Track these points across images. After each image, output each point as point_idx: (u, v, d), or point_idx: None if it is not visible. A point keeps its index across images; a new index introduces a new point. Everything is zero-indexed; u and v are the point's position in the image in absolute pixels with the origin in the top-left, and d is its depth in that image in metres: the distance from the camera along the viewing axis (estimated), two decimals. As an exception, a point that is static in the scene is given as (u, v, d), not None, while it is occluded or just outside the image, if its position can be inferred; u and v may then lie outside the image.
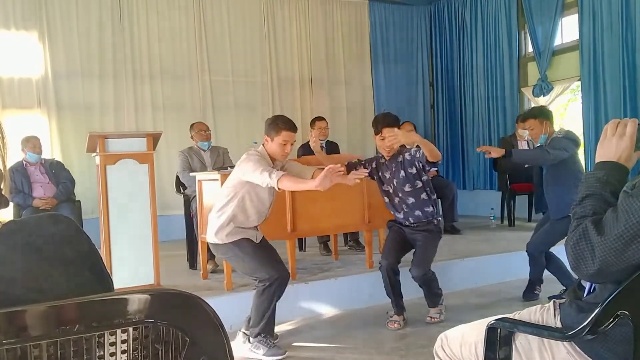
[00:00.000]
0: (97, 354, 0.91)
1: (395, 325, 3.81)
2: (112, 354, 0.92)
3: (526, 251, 4.25)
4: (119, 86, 7.13)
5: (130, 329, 0.92)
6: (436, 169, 6.91)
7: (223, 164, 5.28)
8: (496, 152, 4.11)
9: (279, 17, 8.13)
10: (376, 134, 3.78)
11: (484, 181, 8.33)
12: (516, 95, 7.92)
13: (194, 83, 7.57)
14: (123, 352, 0.93)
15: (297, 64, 8.20)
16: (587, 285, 1.46)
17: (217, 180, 4.19)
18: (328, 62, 8.46)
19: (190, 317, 1.01)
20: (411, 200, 3.79)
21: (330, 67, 8.45)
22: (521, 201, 7.30)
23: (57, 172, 5.37)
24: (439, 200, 7.10)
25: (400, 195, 3.82)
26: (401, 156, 3.78)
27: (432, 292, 3.93)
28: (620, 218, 1.22)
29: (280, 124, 3.39)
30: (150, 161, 4.08)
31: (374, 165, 3.93)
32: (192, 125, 5.50)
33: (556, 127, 4.24)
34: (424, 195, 3.79)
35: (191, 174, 4.99)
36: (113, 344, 0.92)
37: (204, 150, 5.37)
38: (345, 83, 8.45)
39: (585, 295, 1.45)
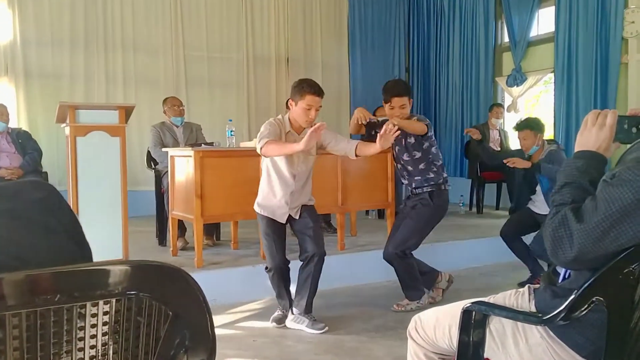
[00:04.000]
0: (78, 325, 0.89)
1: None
2: (93, 326, 0.90)
3: (532, 252, 4.25)
4: (90, 56, 6.96)
5: (113, 300, 0.91)
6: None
7: (196, 140, 5.21)
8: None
9: (257, -6, 8.02)
10: (385, 102, 3.74)
11: (455, 168, 8.42)
12: (490, 84, 8.00)
13: (168, 57, 7.43)
14: (104, 323, 0.91)
15: (274, 43, 8.12)
16: (562, 271, 1.49)
17: (191, 156, 4.14)
18: (305, 43, 8.40)
19: (173, 291, 0.99)
20: (410, 168, 3.81)
21: (307, 48, 8.39)
22: (490, 189, 7.41)
23: (24, 142, 5.22)
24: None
25: (401, 162, 3.85)
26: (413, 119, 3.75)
27: (401, 278, 3.85)
28: (600, 206, 1.24)
29: (306, 87, 3.26)
30: (122, 134, 4.00)
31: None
32: (165, 100, 5.40)
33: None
34: (422, 165, 3.77)
35: (163, 149, 4.92)
36: (95, 315, 0.90)
37: (177, 126, 5.29)
38: (322, 65, 8.40)
39: (560, 281, 1.48)
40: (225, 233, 5.23)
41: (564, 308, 1.31)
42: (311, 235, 3.40)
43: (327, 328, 3.42)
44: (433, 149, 3.82)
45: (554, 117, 7.05)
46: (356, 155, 3.38)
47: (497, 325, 1.56)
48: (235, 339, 3.29)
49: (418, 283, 3.86)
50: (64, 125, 4.07)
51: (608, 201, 1.23)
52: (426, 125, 3.69)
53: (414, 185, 3.83)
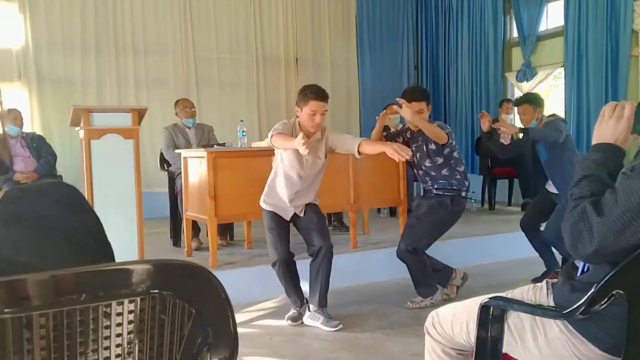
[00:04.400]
0: (104, 324, 0.90)
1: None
2: (119, 324, 0.91)
3: (545, 240, 4.25)
4: (101, 60, 7.00)
5: (138, 299, 0.92)
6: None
7: (208, 141, 5.24)
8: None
9: (265, -6, 8.04)
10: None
11: (465, 165, 8.36)
12: (500, 80, 7.96)
13: (178, 58, 7.46)
14: (129, 322, 0.92)
15: (282, 43, 8.13)
16: (580, 265, 1.48)
17: (204, 157, 4.16)
18: (314, 43, 8.40)
19: (196, 289, 1.00)
20: (433, 173, 3.83)
21: (316, 48, 8.39)
22: (502, 185, 7.38)
23: (38, 146, 5.27)
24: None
25: (423, 169, 3.86)
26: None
27: (413, 275, 3.85)
28: (620, 199, 1.23)
29: (309, 93, 3.31)
30: (136, 136, 4.02)
31: (408, 135, 3.97)
32: (176, 102, 5.44)
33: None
34: (445, 171, 3.79)
35: (176, 151, 4.95)
36: (120, 314, 0.91)
37: (189, 128, 5.31)
38: (330, 64, 8.40)
39: (578, 275, 1.47)
40: (238, 233, 5.26)
41: (583, 302, 1.31)
42: (316, 230, 3.46)
43: (341, 326, 3.44)
44: (455, 154, 3.83)
45: (565, 111, 7.00)
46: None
47: (515, 320, 1.56)
48: (251, 337, 3.31)
49: (430, 280, 3.86)
50: (78, 128, 4.10)
51: (628, 193, 1.22)
52: (447, 133, 3.70)
53: (436, 187, 3.84)
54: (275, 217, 3.49)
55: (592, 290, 1.30)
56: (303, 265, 3.61)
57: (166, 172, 5.31)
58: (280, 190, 3.46)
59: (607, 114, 1.44)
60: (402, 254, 3.81)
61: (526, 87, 7.56)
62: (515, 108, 4.39)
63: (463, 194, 3.83)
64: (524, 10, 7.45)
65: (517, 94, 7.84)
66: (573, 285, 1.45)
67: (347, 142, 3.44)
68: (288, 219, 3.51)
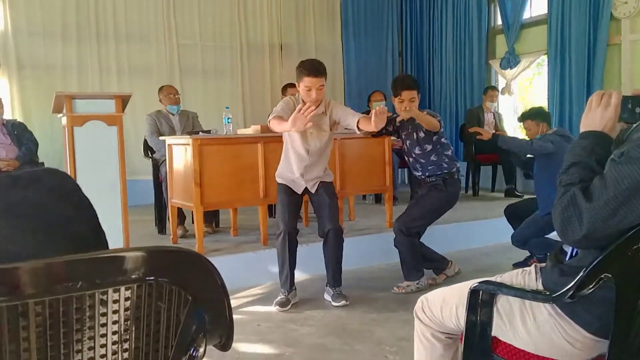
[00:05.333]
0: (100, 312, 0.90)
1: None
2: (115, 312, 0.91)
3: (512, 243, 4.27)
4: (82, 47, 6.89)
5: (135, 286, 0.91)
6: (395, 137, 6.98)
7: (193, 128, 5.21)
8: (485, 134, 4.29)
9: (249, -20, 7.96)
10: (395, 96, 3.79)
11: (450, 151, 8.43)
12: (484, 67, 7.99)
13: (161, 46, 7.37)
14: (126, 309, 0.92)
15: (267, 30, 8.07)
16: (569, 249, 1.50)
17: (189, 144, 4.13)
18: (298, 29, 8.36)
19: (192, 275, 1.00)
20: (422, 160, 3.86)
21: (300, 34, 8.34)
22: (485, 172, 7.45)
23: (20, 133, 5.19)
24: (406, 169, 7.22)
25: (413, 156, 3.90)
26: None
27: (402, 257, 3.88)
28: (609, 185, 1.25)
29: (303, 69, 3.36)
30: (119, 123, 3.98)
31: (397, 124, 3.98)
32: (160, 89, 5.38)
33: (517, 101, 4.35)
34: (433, 157, 3.82)
35: (160, 138, 4.91)
36: (116, 301, 0.91)
37: (173, 114, 5.27)
38: (315, 51, 8.34)
39: (567, 259, 1.50)
40: (224, 220, 5.25)
41: (572, 285, 1.33)
42: (327, 212, 3.58)
43: (344, 302, 3.60)
44: (443, 139, 3.88)
45: (548, 98, 7.06)
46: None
47: (504, 304, 1.58)
48: (239, 324, 3.31)
49: (418, 264, 3.90)
50: (60, 115, 4.04)
51: (617, 179, 1.24)
52: (439, 121, 3.75)
53: (427, 174, 3.88)
54: (288, 191, 3.61)
55: (581, 274, 1.32)
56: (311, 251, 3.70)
57: (150, 160, 5.27)
58: (291, 164, 3.57)
59: (595, 102, 1.46)
60: (396, 233, 3.86)
61: (510, 74, 7.61)
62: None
63: (455, 175, 3.86)
64: (508, -2, 7.47)
65: (501, 81, 7.90)
66: (562, 269, 1.47)
67: (349, 117, 3.49)
68: (300, 192, 3.62)
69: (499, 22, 7.81)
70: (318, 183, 3.61)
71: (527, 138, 4.29)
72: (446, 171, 3.83)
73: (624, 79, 6.22)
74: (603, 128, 1.43)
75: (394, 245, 3.91)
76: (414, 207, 3.91)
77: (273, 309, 3.57)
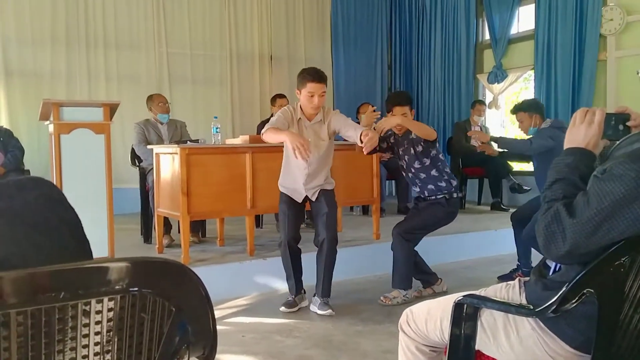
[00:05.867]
0: (82, 322, 0.89)
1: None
2: (98, 322, 0.91)
3: (524, 242, 4.26)
4: (71, 54, 6.87)
5: (118, 297, 0.91)
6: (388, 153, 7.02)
7: (181, 137, 5.20)
8: (483, 137, 4.37)
9: (240, -10, 7.99)
10: (388, 112, 3.85)
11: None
12: (472, 81, 8.07)
13: (150, 54, 7.37)
14: (109, 320, 0.91)
15: (257, 40, 8.09)
16: (552, 264, 1.52)
17: (176, 153, 4.12)
18: (288, 40, 8.39)
19: (176, 286, 1.00)
20: (422, 175, 3.87)
21: (290, 45, 8.37)
22: (472, 185, 7.50)
23: (6, 140, 5.15)
24: (394, 181, 7.24)
25: (412, 171, 3.90)
26: (413, 133, 3.82)
27: (396, 263, 3.88)
28: (592, 201, 1.27)
29: (306, 75, 3.44)
30: (107, 132, 3.97)
31: (392, 140, 4.00)
32: (151, 97, 5.36)
33: (504, 115, 4.38)
34: (434, 172, 3.83)
35: (148, 146, 4.89)
36: (99, 312, 0.90)
37: (162, 123, 5.26)
38: (305, 62, 8.38)
39: (550, 274, 1.51)
40: (210, 230, 5.23)
41: (555, 300, 1.34)
42: (323, 221, 3.59)
43: (330, 311, 3.62)
44: (440, 156, 3.91)
45: (535, 113, 7.12)
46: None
47: (488, 318, 1.58)
48: (224, 335, 3.29)
49: (409, 272, 3.90)
50: (47, 122, 4.02)
51: (600, 196, 1.26)
52: (435, 132, 3.77)
53: (426, 194, 3.89)
54: (288, 200, 3.64)
55: (564, 289, 1.33)
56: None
57: (137, 168, 5.25)
58: (292, 173, 3.60)
59: (579, 119, 1.48)
60: (395, 238, 3.87)
61: (497, 88, 7.68)
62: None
63: (455, 194, 3.88)
64: (496, 13, 7.56)
65: (489, 95, 7.97)
66: (545, 283, 1.48)
67: (350, 129, 3.52)
68: (300, 200, 3.63)
69: (487, 36, 7.90)
70: (319, 191, 3.63)
71: (522, 134, 4.29)
72: (446, 192, 3.84)
73: (610, 96, 6.30)
74: (586, 145, 1.45)
75: (391, 249, 3.91)
76: (416, 216, 3.91)
77: (257, 319, 3.56)
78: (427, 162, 3.84)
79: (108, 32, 7.08)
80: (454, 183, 3.91)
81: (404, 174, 4.05)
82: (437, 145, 3.89)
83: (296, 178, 3.59)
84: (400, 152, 3.94)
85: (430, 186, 3.86)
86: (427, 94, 8.75)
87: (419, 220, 3.90)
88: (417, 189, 3.95)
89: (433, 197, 3.85)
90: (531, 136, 4.23)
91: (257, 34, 8.10)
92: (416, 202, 4.04)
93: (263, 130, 3.41)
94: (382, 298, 3.89)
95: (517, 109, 4.32)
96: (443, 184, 3.84)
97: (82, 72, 6.93)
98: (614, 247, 1.25)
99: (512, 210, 6.66)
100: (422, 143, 3.80)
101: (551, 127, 4.08)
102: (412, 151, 3.86)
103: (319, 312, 3.63)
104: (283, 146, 3.60)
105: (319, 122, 3.58)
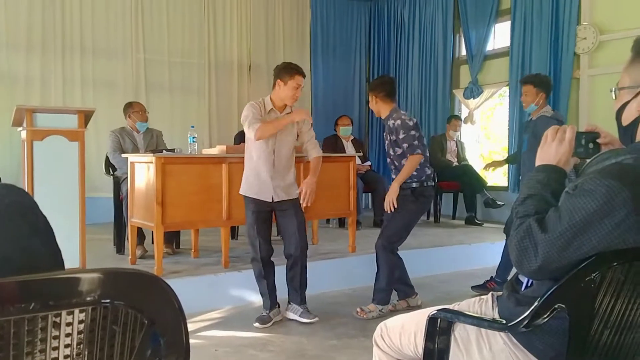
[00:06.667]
0: (52, 334, 0.87)
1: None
2: (68, 335, 0.89)
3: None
4: (47, 59, 6.79)
5: (89, 309, 0.89)
6: (369, 163, 7.06)
7: (156, 146, 5.16)
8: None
9: (220, -1, 7.99)
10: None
11: (413, 178, 8.53)
12: (448, 96, 8.16)
13: (128, 61, 7.31)
14: (79, 332, 0.90)
15: (236, 49, 8.09)
16: (524, 280, 1.54)
17: (152, 162, 4.08)
18: (268, 49, 8.40)
19: (149, 298, 0.98)
20: (396, 163, 3.92)
21: (269, 55, 8.38)
22: (447, 199, 7.57)
23: (-24, 146, 5.05)
24: (370, 194, 7.27)
25: (390, 156, 3.97)
26: (391, 120, 3.89)
27: (380, 275, 3.89)
28: (563, 217, 1.29)
29: (294, 67, 3.59)
30: (81, 139, 3.91)
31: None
32: (130, 104, 5.31)
33: (479, 130, 4.44)
34: (404, 161, 3.85)
35: (122, 155, 4.84)
36: (69, 324, 0.88)
37: (138, 132, 5.21)
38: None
39: (522, 289, 1.53)
40: (185, 241, 5.17)
41: (527, 315, 1.35)
42: (295, 232, 3.65)
43: (317, 319, 3.68)
44: (420, 148, 3.88)
45: (508, 128, 7.24)
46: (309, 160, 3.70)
47: (461, 332, 1.59)
48: (196, 348, 3.25)
49: (390, 289, 3.92)
50: (20, 129, 3.95)
51: (571, 211, 1.28)
52: (418, 154, 3.80)
53: None
54: (257, 212, 3.62)
55: (536, 303, 1.34)
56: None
57: (111, 177, 5.18)
58: (259, 169, 3.60)
59: (550, 137, 1.51)
60: (379, 250, 3.89)
61: (472, 104, 7.79)
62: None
63: (425, 183, 3.91)
64: (473, 30, 7.68)
65: (464, 110, 8.07)
66: (517, 299, 1.50)
67: (310, 145, 3.76)
68: (269, 199, 3.61)
69: (464, 52, 8.01)
70: (284, 199, 3.64)
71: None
72: (415, 180, 3.87)
73: (582, 113, 6.43)
74: (557, 162, 1.48)
75: (377, 264, 3.92)
76: (392, 222, 3.91)
77: (231, 333, 3.53)
78: (399, 151, 3.87)
79: (85, 37, 7.01)
80: (428, 172, 3.95)
81: (387, 158, 4.11)
82: (419, 136, 3.87)
83: (261, 173, 3.59)
84: (385, 135, 4.02)
85: None
86: (404, 108, 8.79)
87: (395, 223, 3.89)
88: (393, 176, 3.98)
89: (404, 185, 3.86)
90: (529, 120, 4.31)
91: (237, 43, 8.10)
92: (380, 216, 4.08)
93: (251, 130, 3.45)
94: (358, 310, 3.89)
95: (528, 81, 4.26)
96: (415, 172, 3.87)
97: (57, 77, 6.85)
98: (584, 263, 1.27)
99: (486, 225, 6.78)
100: (395, 133, 3.86)
101: (552, 119, 4.07)
102: (389, 139, 3.94)
103: (303, 320, 3.66)
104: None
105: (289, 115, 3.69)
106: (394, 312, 3.82)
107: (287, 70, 3.56)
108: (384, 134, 4.02)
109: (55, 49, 6.83)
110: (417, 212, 3.96)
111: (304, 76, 3.62)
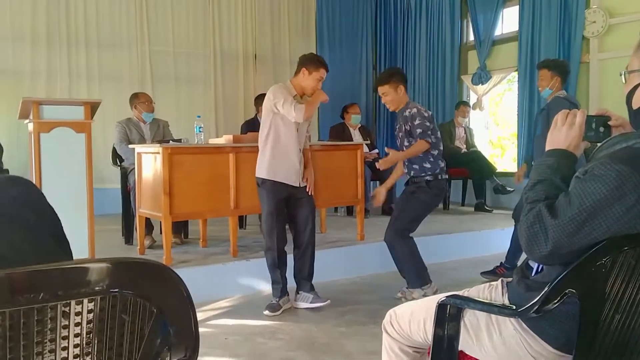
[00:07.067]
0: (62, 324, 0.88)
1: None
2: (77, 324, 0.89)
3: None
4: (52, 52, 6.79)
5: (98, 298, 0.89)
6: (377, 151, 7.04)
7: (163, 137, 5.16)
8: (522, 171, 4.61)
9: (224, -11, 7.94)
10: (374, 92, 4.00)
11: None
12: (456, 82, 8.11)
13: (133, 52, 7.30)
14: (89, 322, 0.90)
15: (241, 39, 8.06)
16: (534, 265, 1.53)
17: (159, 153, 4.08)
18: (273, 39, 8.36)
19: (157, 287, 0.98)
20: None
21: (275, 45, 8.35)
22: (456, 186, 7.54)
23: (-16, 139, 5.06)
24: (378, 182, 7.25)
25: (403, 149, 3.94)
26: (407, 110, 3.89)
27: (403, 263, 3.90)
28: (574, 202, 1.27)
29: (320, 61, 3.67)
30: (88, 131, 3.91)
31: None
32: (136, 95, 5.31)
33: (488, 116, 4.40)
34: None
35: (129, 146, 4.84)
36: (79, 313, 0.89)
37: (144, 123, 5.21)
38: (289, 61, 8.36)
39: (532, 274, 1.52)
40: (193, 231, 5.19)
41: (537, 300, 1.34)
42: (308, 221, 3.70)
43: (329, 301, 3.72)
44: (431, 138, 3.87)
45: (517, 114, 7.19)
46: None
47: (471, 319, 1.59)
48: (206, 337, 3.27)
49: (421, 268, 3.90)
50: (27, 121, 3.96)
51: (581, 196, 1.26)
52: (427, 141, 3.80)
53: (412, 174, 3.93)
54: (276, 199, 3.61)
55: (546, 289, 1.33)
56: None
57: (119, 168, 5.20)
58: (289, 152, 3.60)
59: (560, 121, 1.49)
60: (392, 239, 3.86)
61: (481, 90, 7.73)
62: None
63: (439, 176, 3.91)
64: (481, 15, 7.61)
65: (473, 96, 8.02)
66: (527, 284, 1.49)
67: (305, 137, 3.80)
68: (297, 183, 3.65)
69: (472, 38, 7.94)
70: (304, 185, 3.72)
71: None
72: (430, 172, 3.86)
73: (592, 98, 6.37)
74: (568, 146, 1.46)
75: (392, 254, 3.91)
76: (403, 211, 3.90)
77: (240, 321, 3.56)
78: (414, 142, 3.86)
79: (90, 30, 7.00)
80: (442, 165, 3.94)
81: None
82: (433, 128, 3.88)
83: (292, 156, 3.61)
84: (397, 129, 4.00)
85: (415, 166, 3.89)
86: (411, 95, 8.73)
87: (407, 214, 3.89)
88: (405, 169, 3.98)
89: (417, 178, 3.87)
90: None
91: (242, 33, 8.06)
92: (404, 188, 4.04)
93: (297, 110, 3.46)
94: (399, 293, 3.93)
95: (544, 65, 4.25)
96: (428, 165, 3.86)
97: (63, 70, 6.85)
98: (595, 248, 1.26)
99: (495, 211, 6.76)
100: (410, 124, 3.84)
101: (565, 100, 4.06)
102: (403, 129, 3.91)
103: (315, 305, 3.70)
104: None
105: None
106: (403, 299, 3.82)
107: (314, 62, 3.62)
108: (397, 126, 3.99)
109: (60, 42, 6.83)
110: (429, 204, 3.95)
111: (327, 71, 3.68)
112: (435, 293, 3.83)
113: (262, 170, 3.64)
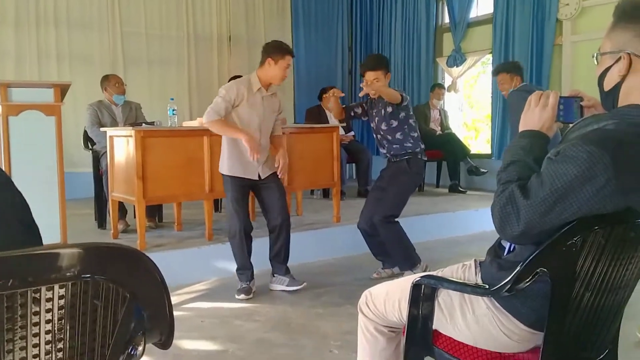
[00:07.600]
0: (33, 310, 0.86)
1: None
2: (49, 310, 0.88)
3: None
4: (21, 32, 6.62)
5: (69, 284, 0.88)
6: (353, 133, 7.04)
7: (136, 119, 5.08)
8: None
9: (197, -32, 7.80)
10: (361, 75, 3.94)
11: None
12: (431, 64, 8.13)
13: (104, 33, 7.16)
14: (60, 308, 0.88)
15: (215, 21, 7.95)
16: (506, 245, 1.55)
17: (131, 136, 4.02)
18: (248, 21, 8.27)
19: (130, 272, 0.97)
20: (389, 137, 3.91)
21: (249, 26, 8.26)
22: (430, 168, 7.58)
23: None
24: (354, 164, 7.27)
25: (381, 132, 3.93)
26: None
27: (392, 247, 3.91)
28: (545, 182, 1.29)
29: (285, 47, 3.58)
30: (58, 113, 3.83)
31: (367, 105, 4.04)
32: (106, 77, 5.21)
33: (462, 99, 4.44)
34: (399, 135, 3.87)
35: (101, 129, 4.76)
36: (50, 299, 0.87)
37: (116, 105, 5.12)
38: (264, 43, 8.25)
39: (505, 254, 1.54)
40: (167, 215, 5.15)
41: (509, 280, 1.36)
42: (280, 205, 3.67)
43: (305, 284, 3.73)
44: (410, 121, 3.92)
45: (491, 97, 7.26)
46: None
47: (445, 298, 1.61)
48: (183, 320, 3.26)
49: (410, 250, 3.93)
50: (-5, 104, 3.86)
51: (553, 177, 1.28)
52: (401, 95, 3.81)
53: (392, 153, 3.93)
54: (239, 186, 3.59)
55: (518, 268, 1.35)
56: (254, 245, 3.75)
57: (90, 151, 5.11)
58: (245, 150, 3.51)
59: (533, 102, 1.50)
60: (378, 226, 3.86)
61: (456, 72, 7.77)
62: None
63: (419, 155, 3.93)
64: (455, -3, 7.61)
65: (448, 78, 8.05)
66: (500, 264, 1.51)
67: (277, 123, 3.77)
68: (255, 177, 3.61)
69: (447, 20, 7.95)
70: (268, 174, 3.66)
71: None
72: (410, 151, 3.88)
73: (565, 80, 6.45)
74: (541, 127, 1.48)
75: (383, 241, 3.92)
76: (385, 195, 3.90)
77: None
78: (395, 123, 3.87)
79: (59, 10, 6.84)
80: (422, 146, 3.97)
81: (374, 136, 4.09)
82: (408, 109, 3.91)
83: (246, 153, 3.53)
84: (374, 114, 3.97)
85: (396, 146, 3.91)
86: (386, 77, 8.76)
87: (390, 199, 3.90)
88: (384, 150, 3.99)
89: (398, 158, 3.89)
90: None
91: (216, 14, 7.95)
92: (381, 172, 4.05)
93: (210, 117, 3.44)
94: (375, 275, 4.00)
95: (500, 70, 4.33)
96: (408, 144, 3.89)
97: (32, 51, 6.69)
98: (566, 227, 1.28)
99: (469, 192, 6.83)
100: (392, 105, 3.84)
101: (520, 92, 4.11)
102: (383, 112, 3.89)
103: (291, 288, 3.71)
104: None
105: (273, 95, 3.68)
106: (379, 279, 3.86)
107: (279, 50, 3.52)
108: (374, 110, 3.95)
109: (29, 21, 6.65)
110: (410, 185, 3.98)
111: (293, 56, 3.61)
112: (425, 270, 3.89)
113: (222, 166, 3.65)
